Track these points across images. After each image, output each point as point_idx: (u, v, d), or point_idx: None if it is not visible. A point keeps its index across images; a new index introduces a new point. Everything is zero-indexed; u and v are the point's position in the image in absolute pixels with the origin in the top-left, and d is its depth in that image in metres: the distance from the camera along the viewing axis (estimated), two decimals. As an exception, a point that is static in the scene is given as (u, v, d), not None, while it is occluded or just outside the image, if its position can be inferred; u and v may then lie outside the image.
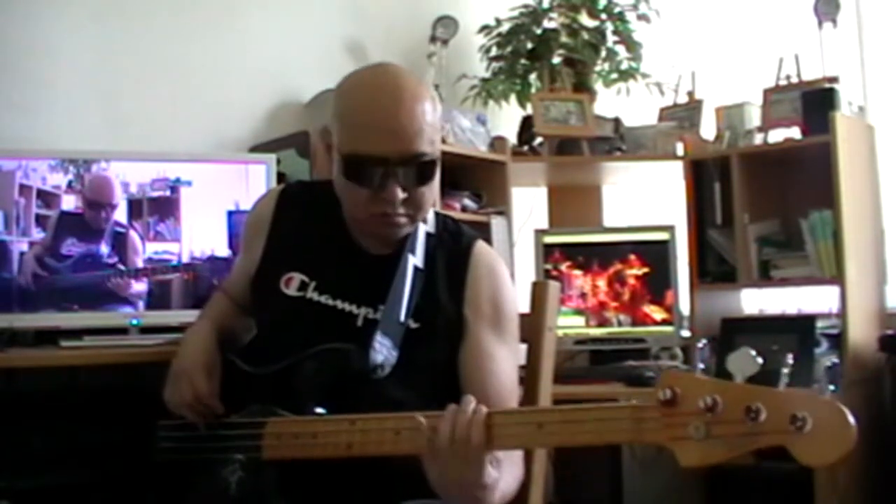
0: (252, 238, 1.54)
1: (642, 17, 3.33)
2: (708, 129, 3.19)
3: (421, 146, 1.33)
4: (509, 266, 2.02)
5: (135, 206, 2.17)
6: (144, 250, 2.16)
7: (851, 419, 0.90)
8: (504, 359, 1.41)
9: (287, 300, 1.44)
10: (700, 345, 0.89)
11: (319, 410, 1.30)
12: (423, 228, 1.46)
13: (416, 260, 1.42)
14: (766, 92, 3.01)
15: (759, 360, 0.96)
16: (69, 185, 2.12)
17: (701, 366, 0.92)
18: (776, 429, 0.92)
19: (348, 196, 1.38)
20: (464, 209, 2.94)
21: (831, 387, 0.87)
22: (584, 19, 3.34)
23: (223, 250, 2.21)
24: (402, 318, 1.38)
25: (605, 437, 1.07)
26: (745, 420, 0.93)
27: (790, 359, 0.98)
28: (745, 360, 0.97)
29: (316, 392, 1.31)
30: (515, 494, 1.34)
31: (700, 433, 0.96)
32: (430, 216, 1.49)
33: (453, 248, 1.46)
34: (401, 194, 1.33)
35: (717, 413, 0.95)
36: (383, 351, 1.34)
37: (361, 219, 1.39)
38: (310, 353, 1.34)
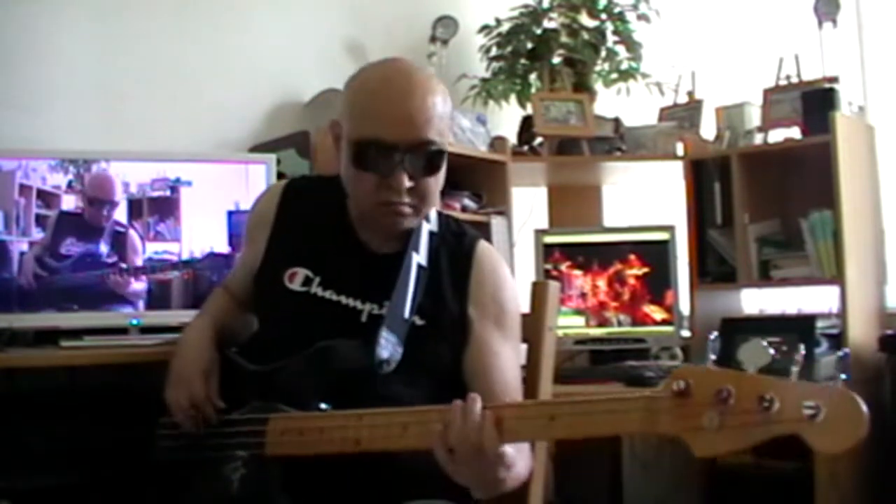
0: (255, 233, 1.54)
1: (642, 17, 3.33)
2: (708, 129, 3.19)
3: (429, 134, 1.34)
4: (509, 266, 2.02)
5: (135, 206, 2.16)
6: (144, 250, 2.16)
7: (864, 406, 0.90)
8: (508, 356, 1.43)
9: (291, 295, 1.44)
10: (711, 336, 0.91)
11: (323, 406, 1.30)
12: (427, 227, 1.46)
13: (419, 258, 1.43)
14: (766, 92, 3.01)
15: (771, 351, 0.96)
16: (69, 185, 2.11)
17: (712, 356, 0.93)
18: (790, 418, 0.91)
19: (355, 184, 1.38)
20: (464, 209, 2.93)
21: (843, 375, 0.89)
22: (584, 19, 3.34)
23: (223, 249, 2.21)
24: (407, 314, 1.38)
25: (618, 428, 1.07)
26: (758, 410, 0.93)
27: (801, 355, 0.98)
28: (756, 351, 0.97)
29: (319, 388, 1.31)
30: (523, 481, 1.33)
31: (714, 424, 0.95)
32: (433, 215, 1.49)
33: (456, 247, 1.47)
34: (407, 182, 1.34)
35: (730, 403, 0.94)
36: (388, 347, 1.34)
37: (367, 208, 1.39)
38: (313, 348, 1.34)
